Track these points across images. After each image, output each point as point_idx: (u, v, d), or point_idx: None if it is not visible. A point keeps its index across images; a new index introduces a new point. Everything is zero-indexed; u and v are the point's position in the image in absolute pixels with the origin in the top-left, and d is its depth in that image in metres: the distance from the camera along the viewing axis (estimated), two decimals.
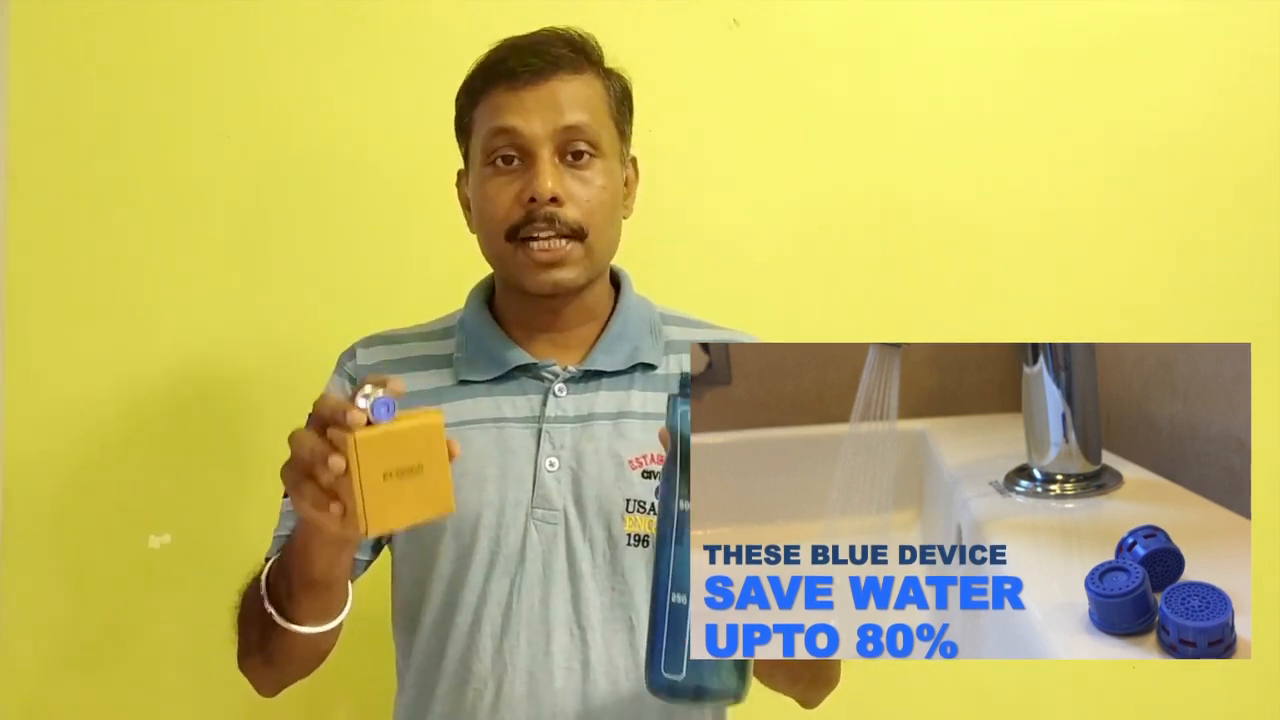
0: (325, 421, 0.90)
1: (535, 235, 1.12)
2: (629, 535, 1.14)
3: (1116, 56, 1.68)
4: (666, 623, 0.88)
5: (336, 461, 0.86)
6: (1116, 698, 1.66)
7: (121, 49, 1.60)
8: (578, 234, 1.13)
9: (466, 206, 1.23)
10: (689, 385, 0.89)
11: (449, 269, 1.42)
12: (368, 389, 0.88)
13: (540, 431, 1.16)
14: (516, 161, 1.14)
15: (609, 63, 1.21)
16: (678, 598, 0.87)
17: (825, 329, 1.64)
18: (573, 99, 1.14)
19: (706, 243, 1.64)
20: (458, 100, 1.20)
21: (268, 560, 1.18)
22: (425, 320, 1.30)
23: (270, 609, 1.06)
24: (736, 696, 0.90)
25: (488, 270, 1.24)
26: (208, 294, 1.61)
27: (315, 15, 1.61)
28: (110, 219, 1.60)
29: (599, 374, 1.19)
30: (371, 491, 0.87)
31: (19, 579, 1.59)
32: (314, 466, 0.89)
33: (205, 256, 1.61)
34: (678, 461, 0.87)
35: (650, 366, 1.20)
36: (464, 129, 1.21)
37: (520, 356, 1.19)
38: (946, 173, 1.67)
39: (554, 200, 1.11)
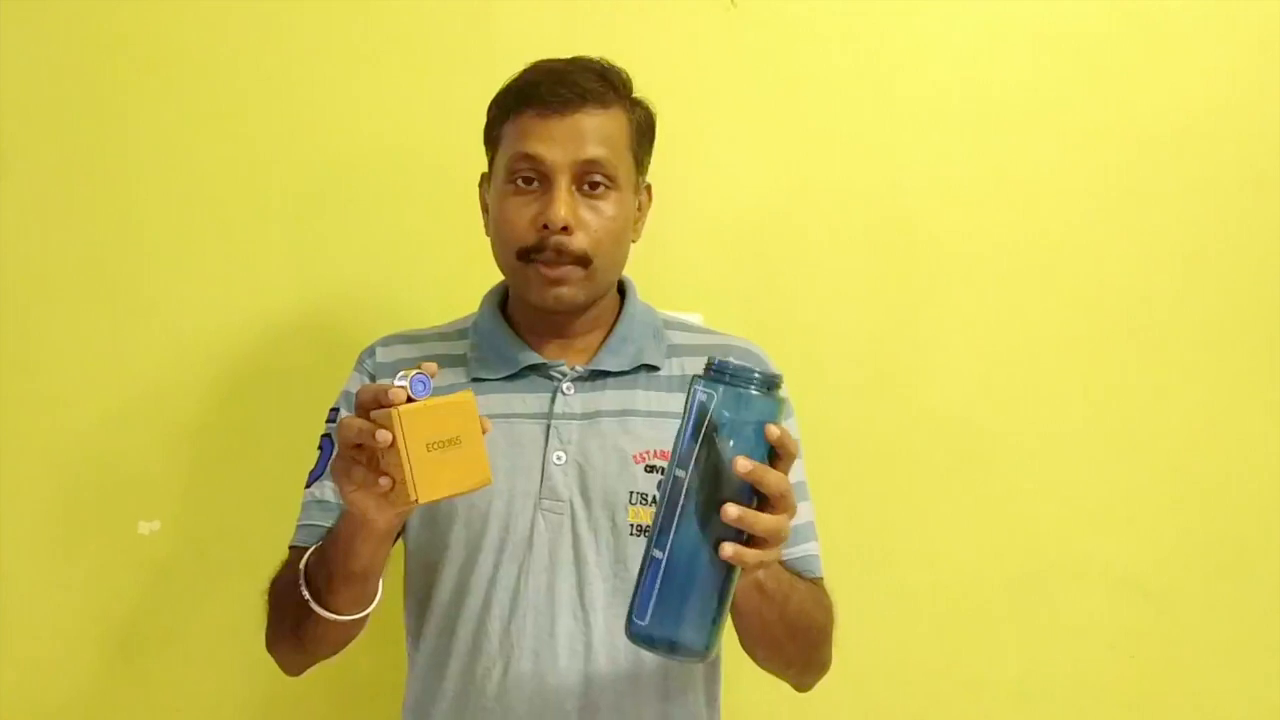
0: (368, 406, 0.98)
1: (544, 259, 1.20)
2: (632, 525, 1.21)
3: (1124, 44, 1.66)
4: (646, 574, 0.96)
5: (384, 434, 0.94)
6: (1116, 698, 1.68)
7: (123, 41, 1.60)
8: (582, 261, 1.20)
9: (486, 210, 1.29)
10: (717, 368, 0.95)
11: (450, 271, 1.45)
12: (403, 371, 0.97)
13: (549, 427, 1.22)
14: (536, 184, 1.20)
15: (637, 93, 1.26)
16: (656, 553, 0.95)
17: (820, 316, 1.65)
18: (596, 132, 1.20)
19: (701, 227, 1.63)
20: (489, 112, 1.26)
21: (292, 548, 1.24)
22: (429, 320, 1.36)
23: (309, 599, 1.12)
24: (704, 654, 0.97)
25: (500, 276, 1.30)
26: (199, 283, 1.61)
27: (323, 8, 1.62)
28: (103, 206, 1.60)
29: (605, 374, 1.26)
30: (418, 461, 0.95)
31: (9, 566, 1.59)
32: (362, 445, 0.97)
33: (197, 246, 1.61)
34: (684, 434, 0.95)
35: (654, 368, 1.27)
36: (491, 141, 1.27)
37: (531, 357, 1.25)
38: (946, 158, 1.65)
39: (565, 229, 1.18)
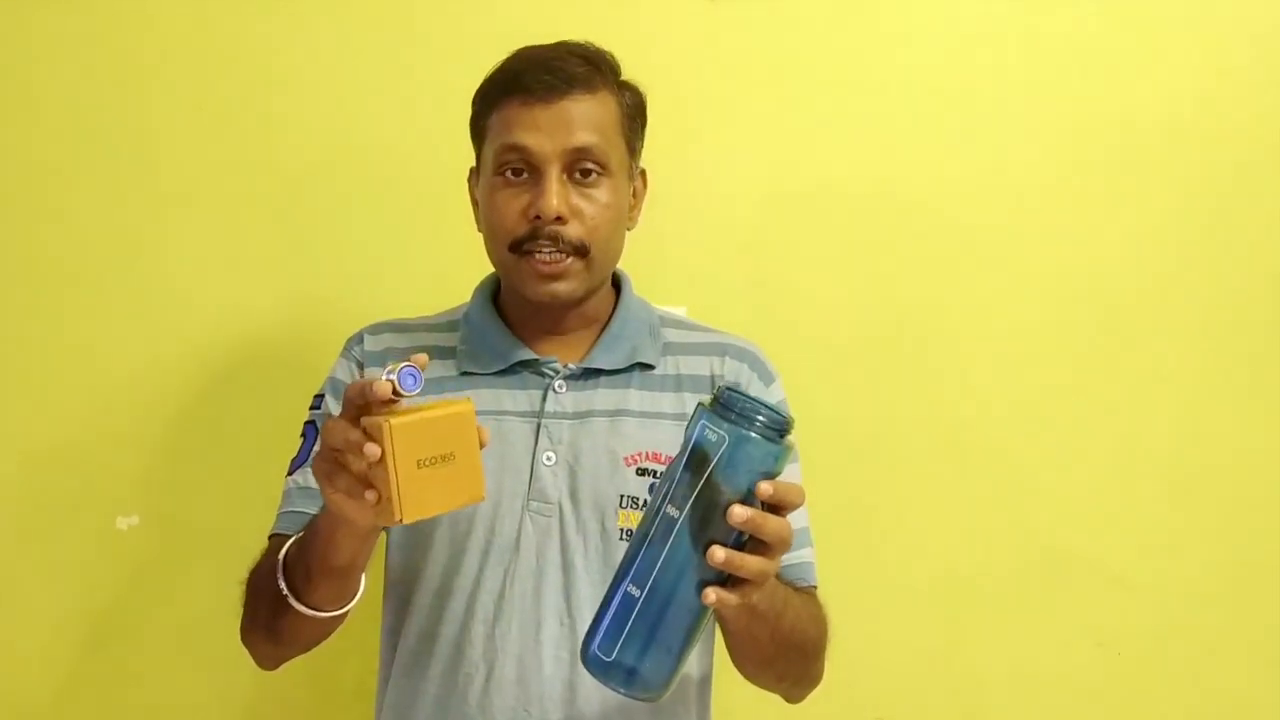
0: (356, 405, 0.91)
1: (538, 250, 1.16)
2: (621, 530, 1.17)
3: (1116, 36, 1.64)
4: (615, 607, 0.91)
5: (372, 448, 0.87)
6: (1103, 695, 1.67)
7: (106, 37, 1.59)
8: (580, 250, 1.16)
9: (476, 205, 1.25)
10: (725, 402, 0.89)
11: (435, 265, 1.41)
12: (391, 363, 0.90)
13: (539, 426, 1.19)
14: (526, 175, 1.17)
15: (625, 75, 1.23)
16: (633, 589, 0.90)
17: (806, 309, 1.64)
18: (585, 118, 1.16)
19: (687, 220, 1.62)
20: (474, 104, 1.22)
21: (273, 536, 1.20)
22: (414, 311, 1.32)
23: (287, 593, 1.07)
24: (659, 694, 0.93)
25: (491, 268, 1.26)
26: (179, 278, 1.60)
27: (310, 2, 1.61)
28: (81, 200, 1.59)
29: (598, 372, 1.22)
30: (406, 479, 0.88)
31: None
32: (348, 455, 0.90)
33: (177, 240, 1.60)
34: (680, 467, 0.90)
35: (648, 366, 1.24)
36: (478, 133, 1.23)
37: (523, 352, 1.22)
38: (933, 150, 1.64)
39: (558, 219, 1.15)
